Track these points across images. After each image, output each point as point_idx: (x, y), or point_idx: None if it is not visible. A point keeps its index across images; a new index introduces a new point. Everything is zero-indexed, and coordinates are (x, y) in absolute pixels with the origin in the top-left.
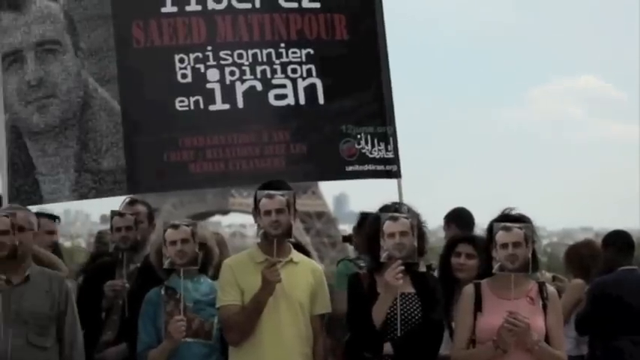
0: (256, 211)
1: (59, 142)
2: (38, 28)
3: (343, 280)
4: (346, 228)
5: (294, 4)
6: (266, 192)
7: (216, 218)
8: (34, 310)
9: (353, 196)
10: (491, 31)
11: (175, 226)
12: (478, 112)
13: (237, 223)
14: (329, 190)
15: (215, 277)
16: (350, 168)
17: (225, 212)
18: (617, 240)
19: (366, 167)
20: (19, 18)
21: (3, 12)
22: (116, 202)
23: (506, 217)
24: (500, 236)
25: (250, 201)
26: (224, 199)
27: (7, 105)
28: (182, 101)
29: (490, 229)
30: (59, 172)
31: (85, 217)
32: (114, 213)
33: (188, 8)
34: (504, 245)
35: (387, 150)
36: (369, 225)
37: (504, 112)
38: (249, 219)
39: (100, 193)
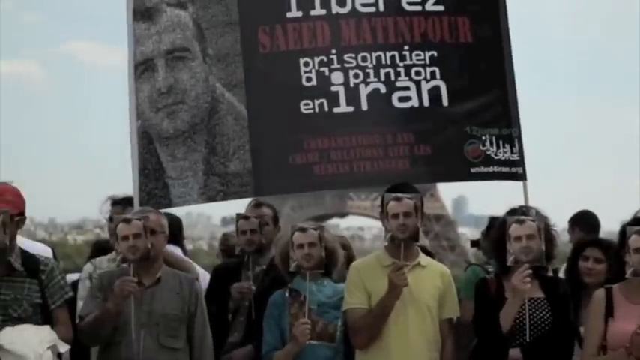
0: (383, 215)
1: (188, 147)
2: (168, 36)
3: (471, 288)
4: (465, 231)
5: (418, 8)
6: (394, 195)
7: (335, 221)
8: (165, 311)
9: (472, 199)
10: None
11: (303, 230)
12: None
13: (355, 226)
14: (448, 192)
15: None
16: (475, 170)
17: (343, 215)
18: None
19: (491, 169)
20: (151, 28)
21: (136, 22)
22: (240, 205)
23: (639, 221)
24: (634, 240)
25: (368, 204)
26: (342, 202)
27: (139, 112)
28: (307, 104)
29: (622, 233)
30: (188, 175)
31: (206, 219)
32: (239, 216)
33: (313, 13)
34: (638, 250)
35: (512, 152)
36: (495, 229)
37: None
38: (367, 222)
39: (227, 196)
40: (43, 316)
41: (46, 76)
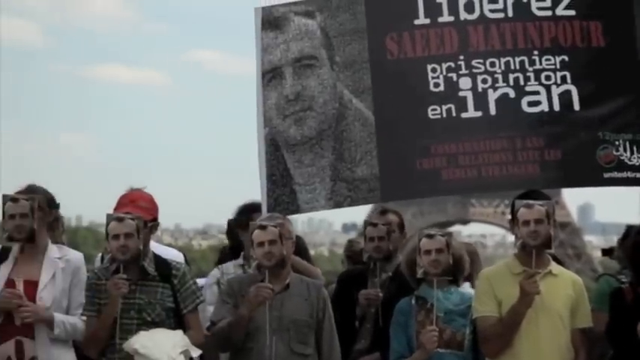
0: (514, 221)
1: (315, 153)
2: (296, 45)
3: (604, 299)
4: (592, 239)
5: (548, 13)
6: (524, 201)
7: (456, 228)
8: (295, 317)
9: (599, 207)
10: None
11: (430, 236)
12: None
13: (477, 233)
14: (573, 199)
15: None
16: (607, 175)
17: (465, 222)
18: None
19: (625, 174)
20: (279, 36)
21: (264, 32)
22: (362, 211)
23: None
24: None
25: (491, 210)
26: (464, 209)
27: (266, 119)
28: (434, 109)
29: None
30: (315, 181)
31: (327, 225)
32: (367, 223)
33: (440, 19)
34: None
35: None
36: (632, 237)
37: None
38: (489, 229)
39: (354, 202)
40: (175, 320)
41: (170, 85)
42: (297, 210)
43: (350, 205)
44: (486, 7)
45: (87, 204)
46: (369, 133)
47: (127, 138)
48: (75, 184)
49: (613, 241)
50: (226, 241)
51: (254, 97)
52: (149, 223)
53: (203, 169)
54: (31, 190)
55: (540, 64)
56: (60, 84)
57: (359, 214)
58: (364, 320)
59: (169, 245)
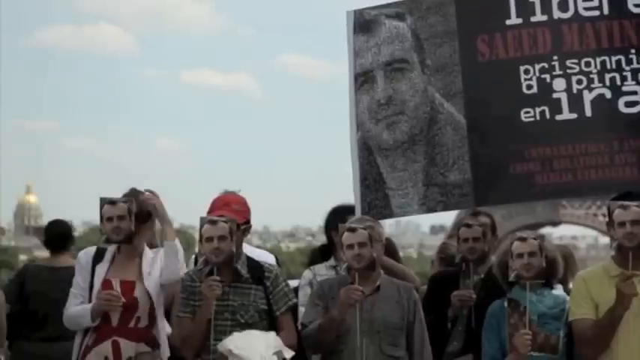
0: (609, 223)
1: (407, 158)
2: (387, 48)
3: None
4: None
5: None
6: (620, 203)
7: (547, 230)
8: (386, 319)
9: None
10: None
11: (523, 239)
12: None
13: (568, 235)
14: None
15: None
16: None
17: (555, 224)
18: None
19: None
20: (370, 40)
21: (355, 35)
22: (450, 214)
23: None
24: None
25: (582, 212)
26: (554, 211)
27: (359, 123)
28: (527, 112)
29: None
30: (408, 186)
31: (415, 227)
32: (461, 224)
33: (533, 19)
34: None
35: None
36: None
37: None
38: (581, 231)
39: (447, 207)
40: (268, 322)
41: (260, 89)
42: (391, 214)
43: (443, 210)
44: (581, 5)
45: (177, 206)
46: (460, 137)
47: (219, 141)
48: (167, 187)
49: None
50: (315, 244)
51: (344, 100)
52: (242, 225)
53: (290, 171)
54: (134, 194)
55: (638, 62)
56: (155, 89)
57: (447, 216)
58: (456, 322)
59: (258, 247)
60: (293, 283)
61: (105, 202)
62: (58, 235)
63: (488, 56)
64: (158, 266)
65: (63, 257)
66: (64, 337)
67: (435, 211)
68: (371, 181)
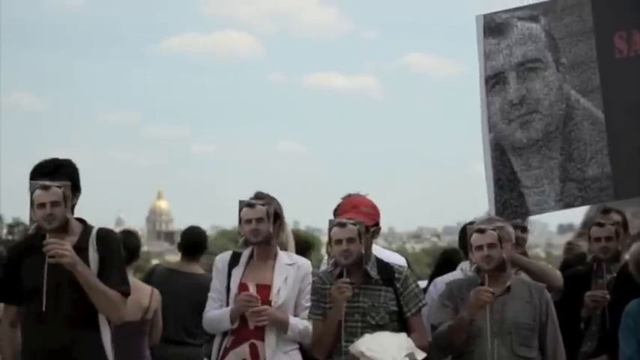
0: None
1: (542, 155)
2: (519, 49)
3: None
4: None
5: None
6: None
7: None
8: (517, 320)
9: None
10: None
11: None
12: None
13: None
14: None
15: None
16: None
17: None
18: None
19: None
20: (502, 42)
21: (486, 39)
22: (579, 213)
23: None
24: None
25: None
26: None
27: (491, 124)
28: None
29: None
30: (544, 183)
31: (542, 226)
32: (592, 223)
33: None
34: None
35: None
36: None
37: None
38: None
39: (585, 201)
40: (399, 323)
41: (384, 89)
42: (527, 213)
43: (581, 204)
44: None
45: (303, 209)
46: (599, 132)
47: (342, 144)
48: (290, 190)
49: None
50: (440, 245)
51: (470, 100)
52: (371, 228)
53: (414, 172)
54: (261, 197)
55: None
56: (278, 92)
57: (576, 215)
58: (590, 322)
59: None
60: (421, 284)
61: (244, 204)
62: (193, 243)
63: (625, 52)
64: (292, 282)
65: (192, 264)
66: (176, 341)
67: (573, 206)
68: (505, 180)
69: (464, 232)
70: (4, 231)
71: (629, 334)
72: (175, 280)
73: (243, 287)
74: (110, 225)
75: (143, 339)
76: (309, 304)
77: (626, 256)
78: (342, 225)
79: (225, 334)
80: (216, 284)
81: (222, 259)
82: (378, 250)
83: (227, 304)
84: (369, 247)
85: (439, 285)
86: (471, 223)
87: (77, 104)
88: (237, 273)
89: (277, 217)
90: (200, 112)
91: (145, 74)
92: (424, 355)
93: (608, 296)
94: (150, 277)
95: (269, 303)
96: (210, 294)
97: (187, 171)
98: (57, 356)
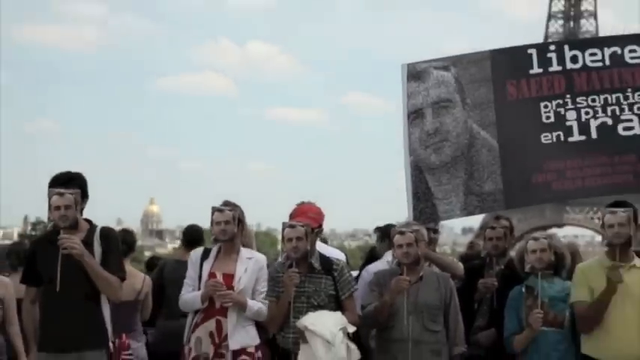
0: (602, 225)
1: (450, 174)
2: (434, 91)
3: None
4: None
5: (638, 61)
6: (610, 209)
7: (553, 230)
8: (427, 302)
9: None
10: None
11: (536, 239)
12: None
13: (571, 234)
14: None
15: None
16: None
17: (560, 225)
18: None
19: None
20: (421, 85)
21: (408, 82)
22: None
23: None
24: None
25: (582, 216)
26: (559, 215)
27: (411, 150)
28: (546, 136)
29: None
30: (451, 196)
31: (449, 229)
32: (486, 226)
33: (551, 69)
34: None
35: None
36: None
37: None
38: (581, 231)
39: (483, 210)
40: (336, 304)
41: (330, 123)
42: (438, 219)
43: (479, 213)
44: (588, 58)
45: (266, 214)
46: (494, 157)
47: (297, 164)
48: (256, 199)
49: None
50: (371, 242)
51: (397, 130)
52: (315, 229)
53: (353, 185)
54: (228, 204)
55: (633, 98)
56: (247, 124)
57: (475, 220)
58: (482, 303)
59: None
60: (354, 273)
61: (215, 209)
62: (194, 237)
63: (515, 96)
64: (250, 272)
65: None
66: (183, 314)
67: (474, 214)
68: (421, 193)
69: (383, 232)
70: (29, 227)
71: (512, 313)
72: (184, 268)
73: (212, 275)
74: (111, 224)
75: (136, 315)
76: (264, 289)
77: (512, 253)
78: (292, 227)
79: (196, 312)
80: (191, 273)
81: (196, 253)
82: (321, 246)
83: (199, 289)
84: (313, 244)
85: (370, 270)
86: (393, 225)
87: (90, 126)
88: (207, 264)
89: (240, 221)
90: (186, 137)
91: (142, 108)
92: (354, 328)
93: (496, 283)
94: (162, 271)
95: (232, 288)
96: (185, 281)
97: (175, 184)
98: (68, 327)
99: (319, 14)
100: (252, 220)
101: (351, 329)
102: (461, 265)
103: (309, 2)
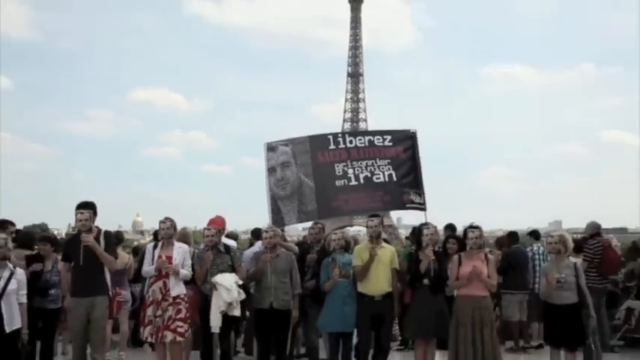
0: (367, 227)
1: (290, 201)
2: (281, 157)
3: (406, 256)
4: (402, 231)
5: (381, 144)
6: (369, 218)
7: (347, 228)
8: (282, 268)
9: (405, 218)
10: None
11: (335, 233)
12: None
13: (356, 230)
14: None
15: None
16: (407, 205)
17: (351, 225)
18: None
19: (412, 205)
20: (274, 154)
21: (268, 152)
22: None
23: None
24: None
25: (362, 221)
26: (350, 220)
27: (270, 188)
28: (338, 181)
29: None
30: (290, 212)
31: (296, 229)
32: (311, 227)
33: (339, 146)
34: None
35: (420, 198)
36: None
37: None
38: (361, 229)
39: (307, 219)
40: (231, 270)
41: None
42: (284, 224)
43: (306, 221)
44: (357, 142)
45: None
46: (311, 192)
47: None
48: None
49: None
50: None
51: (264, 180)
52: (221, 230)
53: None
54: (169, 219)
55: (378, 163)
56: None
57: (306, 223)
58: (309, 268)
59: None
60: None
61: (161, 221)
62: (155, 237)
63: (322, 160)
64: (181, 255)
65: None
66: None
67: (303, 221)
68: (276, 210)
69: (256, 232)
70: (66, 231)
71: (324, 272)
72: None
73: (160, 257)
74: (113, 227)
75: (124, 277)
76: (188, 263)
77: (324, 241)
78: (209, 229)
79: (151, 277)
80: (148, 256)
81: (150, 245)
82: (225, 239)
83: (152, 264)
84: (220, 238)
85: (250, 251)
86: (259, 228)
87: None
88: (157, 251)
89: (175, 228)
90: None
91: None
92: (241, 282)
93: (315, 257)
94: (143, 255)
95: (171, 263)
96: (145, 260)
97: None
98: (88, 285)
99: None
100: (191, 224)
101: (240, 283)
102: (296, 248)
103: None
